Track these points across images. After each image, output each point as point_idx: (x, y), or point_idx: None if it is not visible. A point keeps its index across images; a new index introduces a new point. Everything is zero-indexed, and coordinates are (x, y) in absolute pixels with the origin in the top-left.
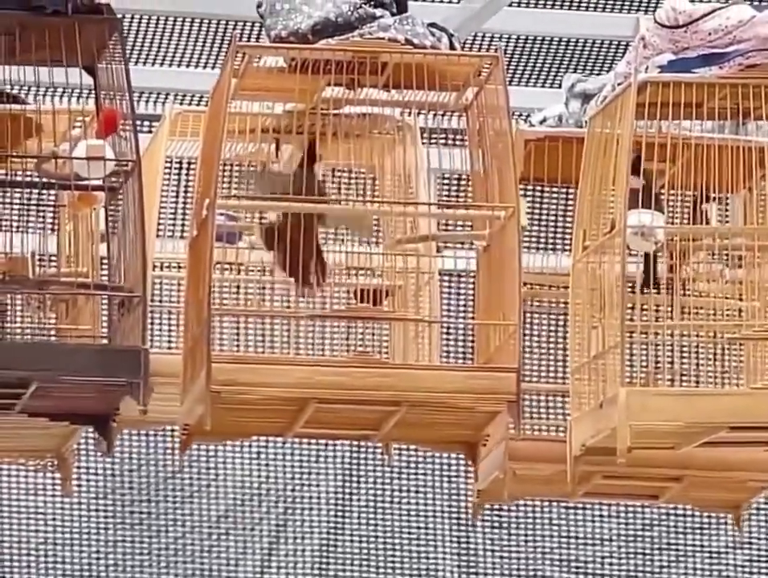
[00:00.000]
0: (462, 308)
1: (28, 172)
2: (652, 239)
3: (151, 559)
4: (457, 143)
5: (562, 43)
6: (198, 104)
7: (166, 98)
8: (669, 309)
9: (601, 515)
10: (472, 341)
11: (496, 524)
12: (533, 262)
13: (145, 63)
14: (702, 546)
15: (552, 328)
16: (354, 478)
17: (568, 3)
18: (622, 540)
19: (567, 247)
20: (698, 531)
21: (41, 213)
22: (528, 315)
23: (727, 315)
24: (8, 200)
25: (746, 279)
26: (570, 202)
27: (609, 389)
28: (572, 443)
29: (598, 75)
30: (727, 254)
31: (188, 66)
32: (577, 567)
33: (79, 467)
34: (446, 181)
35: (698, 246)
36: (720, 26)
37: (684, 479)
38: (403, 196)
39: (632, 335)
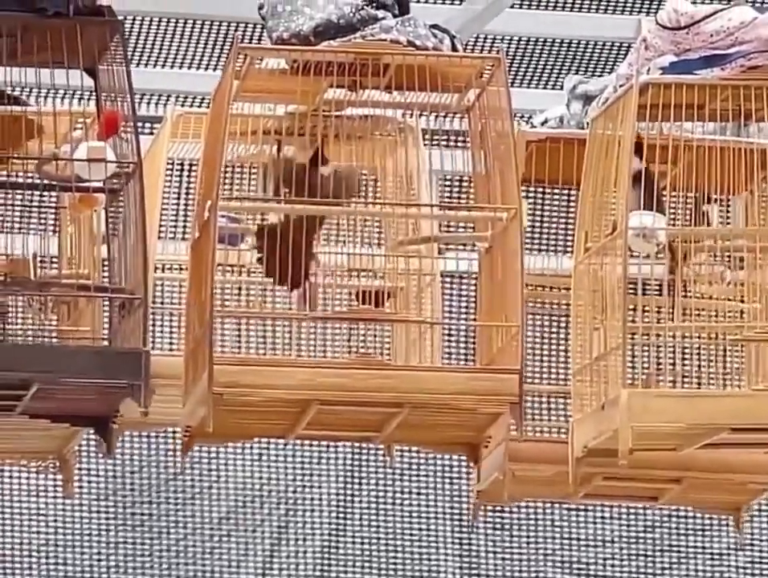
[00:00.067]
0: (464, 310)
1: (29, 174)
2: (654, 241)
3: (152, 561)
4: (459, 144)
5: (564, 45)
6: (199, 106)
7: (168, 100)
8: (671, 311)
9: (602, 517)
10: (474, 343)
11: (498, 526)
12: (535, 264)
13: (146, 65)
14: (704, 548)
15: (553, 330)
16: (356, 480)
17: (570, 5)
18: (624, 542)
19: (569, 249)
20: (699, 533)
21: (42, 215)
22: (529, 316)
23: (728, 316)
24: (9, 201)
25: (748, 281)
26: (572, 204)
27: (611, 391)
28: (574, 444)
29: (599, 76)
30: (729, 256)
31: (189, 67)
32: (578, 569)
33: (80, 469)
34: (448, 183)
35: (700, 248)
36: (721, 27)
37: (684, 481)
38: (405, 197)
39: (634, 337)
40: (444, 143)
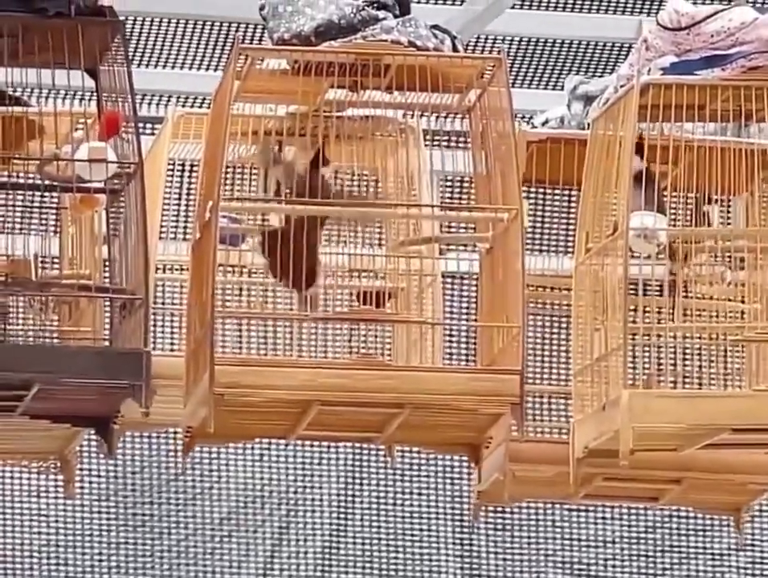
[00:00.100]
0: (465, 310)
1: (30, 175)
2: (655, 241)
3: (154, 562)
4: (460, 145)
5: (565, 45)
6: (200, 107)
7: (169, 100)
8: (671, 311)
9: (603, 518)
10: (475, 343)
11: (499, 526)
12: (536, 264)
13: (147, 66)
14: (705, 548)
15: (554, 330)
16: (357, 481)
17: (570, 5)
18: (625, 543)
19: (569, 249)
20: (700, 534)
21: (43, 216)
22: (530, 317)
23: (729, 317)
24: (10, 202)
25: (748, 281)
26: (572, 204)
27: (612, 391)
28: (574, 445)
29: (600, 77)
30: (729, 257)
31: (190, 68)
32: (579, 570)
33: (81, 469)
34: (449, 183)
35: (700, 248)
36: (722, 28)
37: (684, 481)
38: (406, 198)
39: (635, 338)
40: (445, 143)
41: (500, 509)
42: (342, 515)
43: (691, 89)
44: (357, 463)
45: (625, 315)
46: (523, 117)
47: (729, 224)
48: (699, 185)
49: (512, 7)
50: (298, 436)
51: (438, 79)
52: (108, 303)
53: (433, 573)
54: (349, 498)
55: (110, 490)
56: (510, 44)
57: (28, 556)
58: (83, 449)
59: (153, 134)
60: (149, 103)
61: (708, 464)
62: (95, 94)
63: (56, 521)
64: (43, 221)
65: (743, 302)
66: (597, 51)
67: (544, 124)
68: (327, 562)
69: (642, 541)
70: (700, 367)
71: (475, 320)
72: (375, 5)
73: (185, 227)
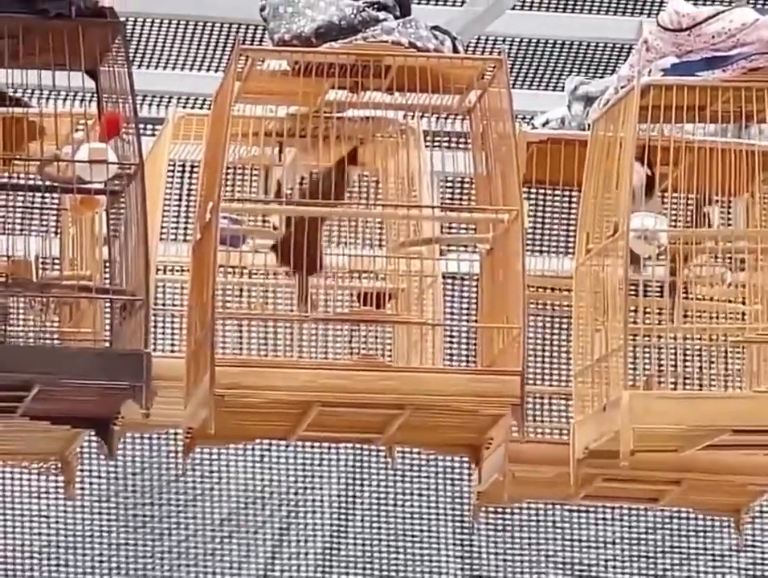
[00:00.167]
0: (465, 311)
1: (31, 176)
2: (655, 243)
3: (154, 563)
4: (460, 146)
5: (565, 46)
6: (201, 107)
7: (169, 101)
8: (672, 312)
9: (604, 518)
10: (476, 344)
11: (500, 527)
12: (536, 265)
13: (148, 67)
14: (705, 549)
15: (555, 331)
16: (358, 481)
17: (571, 6)
18: (626, 543)
19: (570, 250)
20: (701, 535)
21: (44, 217)
22: (531, 317)
23: (729, 318)
24: (11, 203)
25: (749, 282)
26: (573, 205)
27: (612, 392)
28: (575, 446)
29: (600, 78)
30: (730, 258)
31: (191, 69)
32: (580, 571)
33: (82, 470)
34: (449, 184)
35: (701, 249)
36: (723, 29)
37: (684, 482)
38: (406, 199)
39: (635, 338)
40: (446, 144)
41: (500, 510)
42: (343, 516)
43: (691, 90)
44: (358, 464)
45: (626, 316)
46: (523, 118)
47: (729, 225)
48: (699, 186)
49: (513, 8)
50: (299, 437)
51: (438, 80)
52: (108, 304)
53: (433, 574)
54: (350, 499)
55: (110, 491)
56: (510, 45)
57: (29, 557)
58: (84, 450)
59: (153, 135)
60: (150, 105)
61: (709, 465)
62: (95, 95)
63: (57, 522)
64: (44, 223)
65: (743, 303)
66: (597, 52)
67: (544, 124)
68: (327, 563)
69: (642, 542)
70: (700, 368)
71: (476, 321)
72: (376, 6)
73: (185, 228)
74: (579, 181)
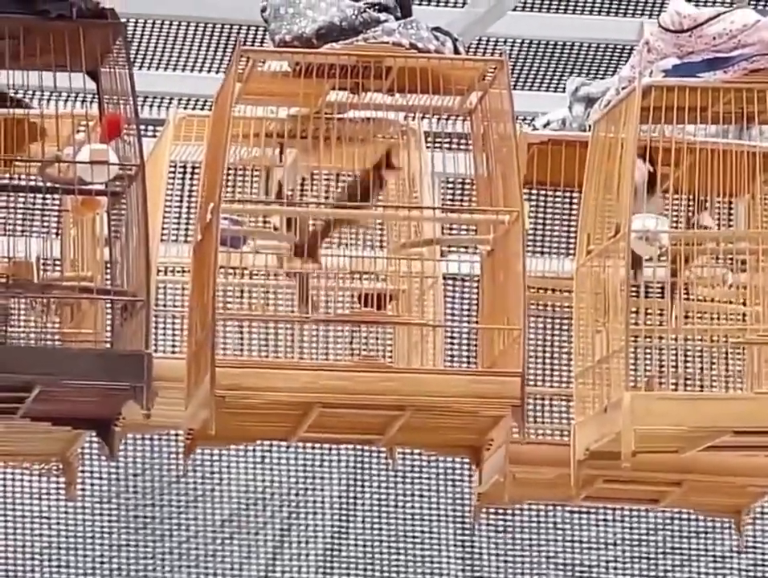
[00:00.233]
0: (466, 312)
1: (32, 177)
2: (657, 244)
3: (155, 564)
4: (461, 147)
5: (566, 47)
6: (202, 109)
7: (170, 102)
8: (674, 313)
9: (605, 520)
10: (476, 345)
11: (500, 528)
12: (537, 266)
13: (149, 68)
14: (706, 550)
15: (556, 332)
16: (359, 482)
17: (572, 7)
18: (627, 545)
19: (571, 251)
20: (702, 536)
21: (45, 218)
22: (532, 319)
23: (730, 319)
24: (12, 204)
25: (750, 284)
26: (574, 206)
27: (613, 393)
28: (576, 447)
29: (602, 79)
30: (731, 259)
31: (192, 70)
32: (581, 572)
33: (83, 471)
34: (450, 185)
35: (702, 251)
36: (724, 30)
37: (685, 484)
38: (407, 200)
39: (636, 340)
40: (446, 145)
41: (500, 511)
42: (344, 517)
43: (693, 91)
44: (359, 465)
45: (627, 316)
46: (524, 119)
47: (730, 226)
48: (700, 187)
49: (514, 9)
50: (299, 438)
51: (439, 81)
52: (109, 305)
53: (434, 575)
54: (351, 500)
55: (111, 492)
56: (511, 46)
57: (29, 558)
58: (85, 451)
59: (154, 136)
60: (151, 106)
61: (709, 466)
62: (96, 96)
63: (58, 523)
64: (45, 224)
65: (744, 304)
66: (598, 53)
67: (545, 125)
68: (328, 564)
69: (643, 543)
70: (701, 369)
71: (476, 322)
72: (377, 7)
73: (186, 229)
74: (580, 182)
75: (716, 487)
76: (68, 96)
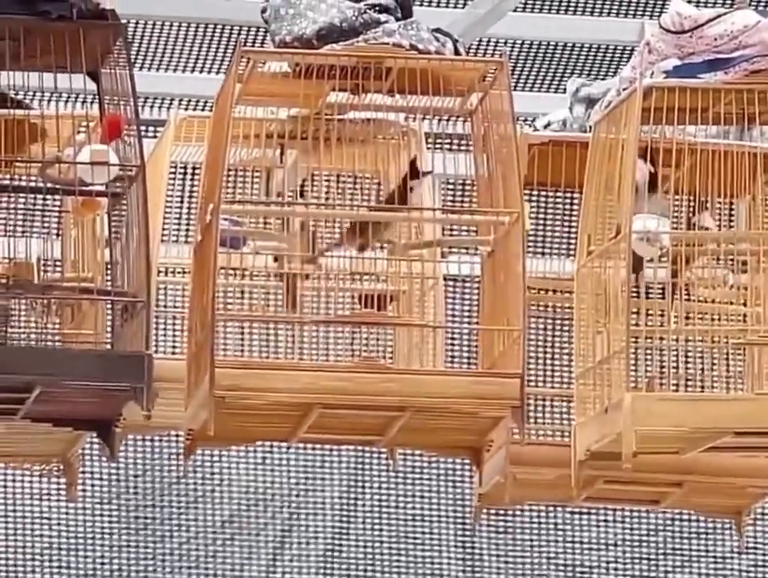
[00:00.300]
0: (466, 313)
1: (32, 178)
2: (657, 244)
3: (156, 565)
4: (461, 148)
5: (567, 48)
6: (202, 109)
7: (171, 103)
8: (675, 314)
9: (606, 520)
10: (477, 346)
11: (501, 529)
12: (537, 267)
13: (149, 69)
14: (707, 551)
15: (556, 333)
16: (359, 483)
17: (573, 8)
18: (627, 545)
19: (571, 252)
20: (703, 536)
21: (45, 218)
22: (533, 319)
23: (731, 320)
24: (12, 205)
25: (750, 284)
26: (574, 207)
27: (614, 394)
28: (576, 448)
29: (602, 79)
30: (732, 259)
31: (192, 71)
32: (582, 573)
33: (83, 472)
34: (450, 187)
35: (703, 251)
36: (725, 31)
37: (685, 485)
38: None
39: (637, 340)
40: (447, 146)
41: (501, 512)
42: (344, 518)
43: (694, 92)
44: (359, 466)
45: (628, 317)
46: (525, 120)
47: (731, 227)
48: (701, 187)
49: (514, 10)
50: (300, 439)
51: (439, 82)
52: (110, 306)
53: (435, 576)
54: (351, 501)
55: (112, 493)
56: (512, 47)
57: (30, 559)
58: (85, 452)
59: (155, 137)
60: (151, 106)
61: (710, 467)
62: (97, 97)
63: (58, 524)
64: (45, 224)
65: (745, 305)
66: (599, 54)
67: (546, 126)
68: (329, 565)
69: (644, 544)
70: (702, 370)
71: (477, 323)
72: (377, 8)
73: (187, 230)
74: (581, 183)
75: (717, 488)
76: (69, 97)
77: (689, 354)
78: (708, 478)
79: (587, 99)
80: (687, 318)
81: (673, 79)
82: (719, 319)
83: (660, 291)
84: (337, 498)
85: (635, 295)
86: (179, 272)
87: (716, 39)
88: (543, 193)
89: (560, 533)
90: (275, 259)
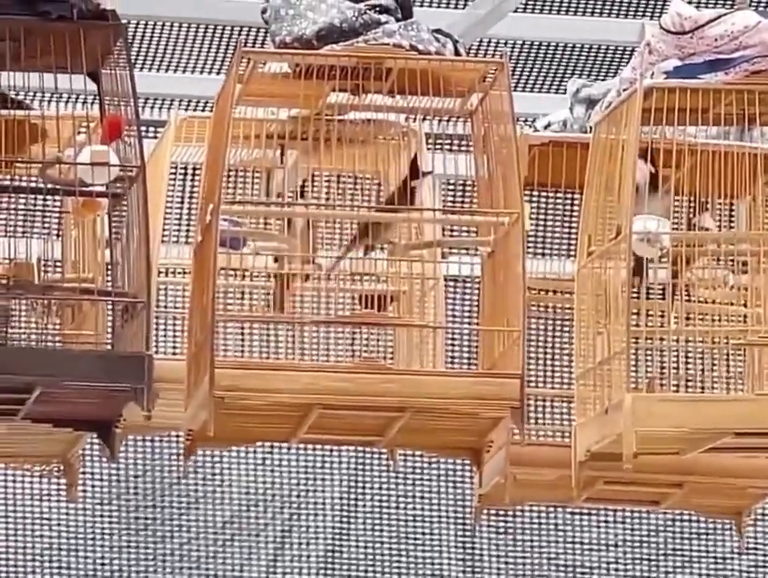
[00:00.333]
0: (466, 314)
1: (33, 178)
2: (658, 245)
3: (156, 565)
4: (462, 149)
5: (567, 49)
6: (203, 110)
7: (171, 104)
8: (675, 315)
9: (606, 521)
10: (477, 347)
11: (501, 530)
12: (537, 268)
13: (149, 69)
14: (707, 551)
15: (556, 334)
16: (359, 484)
17: (573, 9)
18: (628, 546)
19: (571, 253)
20: (703, 537)
21: (46, 219)
22: (533, 320)
23: (732, 320)
24: (13, 205)
25: (751, 285)
26: (575, 208)
27: (614, 395)
28: (577, 448)
29: (603, 80)
30: (732, 260)
31: (193, 71)
32: (582, 573)
33: (84, 473)
34: (450, 187)
35: (703, 252)
36: (725, 31)
37: (686, 485)
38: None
39: (638, 341)
40: (447, 147)
41: (501, 512)
42: (345, 519)
43: (694, 93)
44: (360, 467)
45: (628, 318)
46: (525, 121)
47: (731, 227)
48: (701, 188)
49: (515, 11)
50: (300, 439)
51: (440, 82)
52: (110, 307)
53: (435, 576)
54: (352, 502)
55: (112, 493)
56: (512, 48)
57: (30, 560)
58: (86, 452)
59: (155, 137)
60: (152, 107)
61: (710, 468)
62: (97, 97)
63: (58, 525)
64: (46, 225)
65: (745, 306)
66: (600, 55)
67: (546, 127)
68: (329, 565)
69: (644, 545)
70: (702, 370)
71: (477, 324)
72: (377, 9)
73: (187, 230)
74: (581, 183)
75: (718, 489)
76: (69, 98)
77: (689, 355)
78: (709, 478)
79: (588, 99)
80: (687, 319)
81: (674, 79)
82: (719, 320)
83: (661, 292)
84: (337, 499)
85: (635, 295)
86: (179, 273)
87: (716, 40)
88: (543, 193)
89: (560, 534)
90: (276, 260)
